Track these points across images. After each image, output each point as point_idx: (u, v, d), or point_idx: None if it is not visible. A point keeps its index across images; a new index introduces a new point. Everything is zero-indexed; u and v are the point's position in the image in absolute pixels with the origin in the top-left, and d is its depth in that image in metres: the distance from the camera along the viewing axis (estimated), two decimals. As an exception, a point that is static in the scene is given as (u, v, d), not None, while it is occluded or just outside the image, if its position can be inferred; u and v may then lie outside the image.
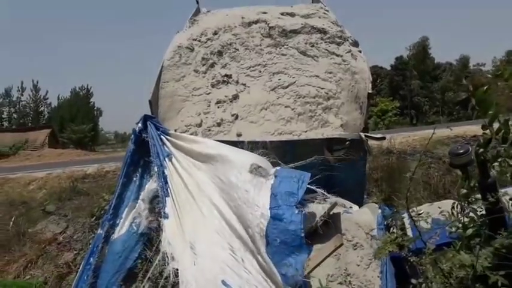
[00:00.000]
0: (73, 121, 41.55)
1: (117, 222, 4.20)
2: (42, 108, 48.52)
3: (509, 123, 2.31)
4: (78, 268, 6.61)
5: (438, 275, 2.52)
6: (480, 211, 2.94)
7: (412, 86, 49.47)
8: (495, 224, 2.83)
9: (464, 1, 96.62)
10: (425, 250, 2.66)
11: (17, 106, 47.35)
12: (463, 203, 3.03)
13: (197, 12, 6.96)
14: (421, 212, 3.01)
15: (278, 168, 4.12)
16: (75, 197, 8.96)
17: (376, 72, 48.06)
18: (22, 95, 46.90)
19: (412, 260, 2.71)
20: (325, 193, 4.16)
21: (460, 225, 2.91)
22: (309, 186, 3.88)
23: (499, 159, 2.36)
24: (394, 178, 8.35)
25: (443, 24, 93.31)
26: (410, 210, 2.94)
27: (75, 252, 7.32)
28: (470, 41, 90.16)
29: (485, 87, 2.37)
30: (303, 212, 3.62)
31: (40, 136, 33.04)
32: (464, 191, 2.95)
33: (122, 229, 4.13)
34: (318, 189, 4.04)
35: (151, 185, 4.34)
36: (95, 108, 48.38)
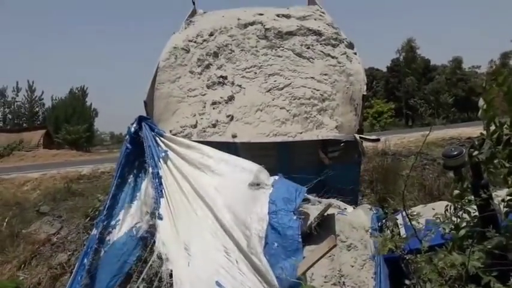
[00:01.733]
0: (68, 122, 41.34)
1: (112, 223, 4.18)
2: (37, 109, 48.24)
3: (504, 126, 2.33)
4: (72, 269, 6.60)
5: (433, 273, 2.53)
6: (473, 212, 2.97)
7: (407, 85, 49.70)
8: (487, 224, 2.86)
9: (461, 4, 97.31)
10: (421, 248, 2.69)
11: (12, 107, 47.03)
12: (456, 204, 3.06)
13: (193, 13, 6.96)
14: (415, 213, 3.03)
15: (276, 178, 4.16)
16: (69, 198, 8.92)
17: (372, 74, 48.29)
18: (17, 95, 46.62)
19: (407, 258, 2.73)
20: (318, 199, 4.23)
21: (453, 226, 2.93)
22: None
23: (495, 161, 2.38)
24: (388, 179, 8.37)
25: (441, 25, 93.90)
26: (411, 210, 2.97)
27: (69, 253, 7.28)
28: (468, 43, 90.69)
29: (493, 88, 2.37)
30: (300, 218, 3.72)
31: (35, 136, 32.91)
32: (458, 192, 2.98)
33: (120, 232, 4.10)
34: (310, 196, 4.14)
35: (150, 189, 4.33)
36: (92, 109, 48.17)
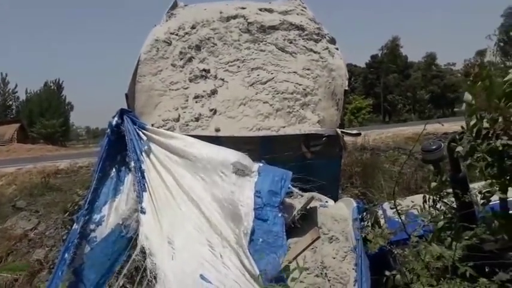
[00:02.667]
0: (43, 115, 40.38)
1: (94, 217, 4.10)
2: (10, 102, 46.90)
3: (484, 119, 2.41)
4: (50, 265, 6.49)
5: (419, 267, 2.62)
6: (451, 204, 3.07)
7: (388, 81, 50.60)
8: (465, 217, 2.96)
9: (438, 3, 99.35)
10: (407, 242, 2.77)
11: (-16, 100, 45.61)
12: (434, 197, 3.15)
13: (174, 5, 6.86)
14: (398, 205, 3.12)
15: (261, 165, 4.17)
16: (47, 193, 8.72)
17: (350, 70, 48.86)
18: (-10, 88, 45.22)
19: (396, 252, 2.82)
20: (300, 193, 4.26)
21: (432, 218, 3.02)
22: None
23: (478, 155, 2.46)
24: (367, 173, 8.53)
25: (418, 23, 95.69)
26: (392, 203, 3.04)
27: (47, 248, 7.15)
28: (443, 40, 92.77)
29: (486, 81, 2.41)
30: (285, 214, 3.77)
31: (8, 130, 32.07)
32: (435, 184, 3.07)
33: (106, 228, 4.03)
34: (294, 189, 4.16)
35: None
36: (66, 102, 47.14)
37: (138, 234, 3.82)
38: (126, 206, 4.13)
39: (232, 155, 4.13)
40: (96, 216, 4.08)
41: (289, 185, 4.04)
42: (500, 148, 2.38)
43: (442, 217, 2.94)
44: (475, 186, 3.13)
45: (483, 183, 2.79)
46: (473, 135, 2.46)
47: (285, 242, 3.60)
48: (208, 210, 3.81)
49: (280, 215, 3.73)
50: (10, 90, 46.06)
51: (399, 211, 3.12)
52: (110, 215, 4.09)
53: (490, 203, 2.90)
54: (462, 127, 2.61)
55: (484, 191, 2.71)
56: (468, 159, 2.59)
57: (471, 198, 3.03)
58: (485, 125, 2.36)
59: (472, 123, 2.46)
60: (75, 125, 60.72)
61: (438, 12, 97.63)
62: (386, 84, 51.32)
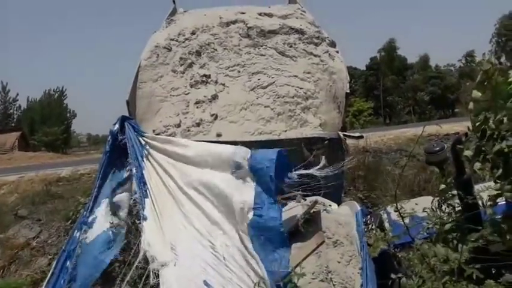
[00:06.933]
0: (44, 123, 40.43)
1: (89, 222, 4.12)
2: (11, 111, 46.97)
3: (489, 121, 2.39)
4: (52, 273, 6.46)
5: (424, 268, 2.59)
6: (457, 206, 3.04)
7: (387, 83, 50.61)
8: (471, 219, 2.93)
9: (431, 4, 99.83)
10: (411, 245, 2.74)
11: (-16, 108, 45.67)
12: (440, 199, 3.12)
13: (174, 12, 6.88)
14: (401, 208, 3.09)
15: (248, 165, 3.93)
16: (49, 201, 8.71)
17: (350, 73, 48.89)
18: (-10, 97, 45.30)
19: (400, 256, 2.79)
20: (303, 197, 4.18)
21: (438, 220, 2.99)
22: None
23: (484, 156, 2.43)
24: (370, 177, 8.49)
25: (416, 24, 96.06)
26: (394, 206, 3.02)
27: (50, 257, 7.13)
28: (440, 39, 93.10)
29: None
30: (281, 207, 3.67)
31: (9, 139, 32.15)
32: (443, 186, 3.04)
33: (97, 230, 4.04)
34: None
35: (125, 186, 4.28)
36: (68, 110, 47.16)
37: (139, 241, 3.79)
38: (120, 209, 4.13)
39: (227, 149, 4.06)
40: (91, 221, 4.10)
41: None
42: (506, 150, 2.35)
43: (449, 219, 2.91)
44: (480, 187, 3.11)
45: (489, 184, 2.77)
46: (479, 135, 2.44)
47: (284, 236, 3.51)
48: (210, 211, 3.76)
49: (276, 208, 3.61)
50: (11, 99, 46.14)
51: (402, 214, 3.08)
52: (102, 217, 4.10)
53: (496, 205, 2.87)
54: (469, 128, 2.58)
55: (491, 193, 2.68)
56: (475, 161, 2.56)
57: (476, 200, 3.00)
58: (491, 125, 2.34)
59: (477, 123, 2.43)
60: (76, 132, 60.81)
61: (437, 10, 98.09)
62: (386, 86, 51.33)
